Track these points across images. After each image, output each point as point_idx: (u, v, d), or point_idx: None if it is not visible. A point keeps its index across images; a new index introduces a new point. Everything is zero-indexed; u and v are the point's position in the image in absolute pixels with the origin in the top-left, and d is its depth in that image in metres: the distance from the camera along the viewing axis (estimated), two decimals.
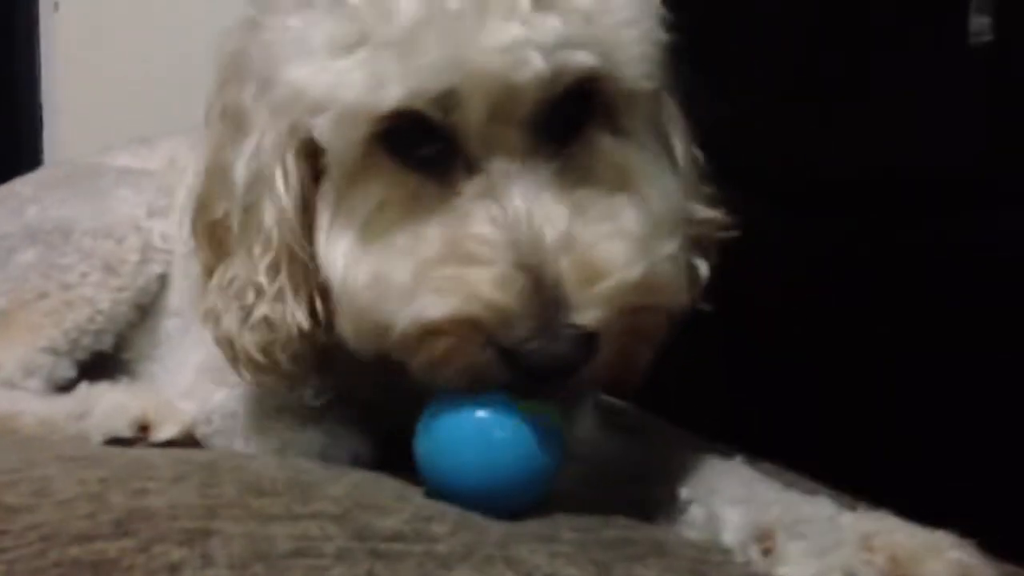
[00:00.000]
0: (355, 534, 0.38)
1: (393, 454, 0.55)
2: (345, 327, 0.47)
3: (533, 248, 0.43)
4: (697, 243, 0.53)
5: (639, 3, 0.47)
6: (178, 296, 0.76)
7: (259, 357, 0.50)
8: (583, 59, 0.44)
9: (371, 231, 0.47)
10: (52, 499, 0.39)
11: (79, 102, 1.16)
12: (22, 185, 0.84)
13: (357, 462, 0.54)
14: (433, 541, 0.38)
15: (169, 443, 0.60)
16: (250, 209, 0.50)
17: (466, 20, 0.43)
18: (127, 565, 0.33)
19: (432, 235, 0.45)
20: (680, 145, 0.53)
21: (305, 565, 0.35)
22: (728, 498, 0.49)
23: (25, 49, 1.24)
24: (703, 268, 0.53)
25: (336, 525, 0.38)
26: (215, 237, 0.52)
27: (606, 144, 0.48)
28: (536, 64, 0.43)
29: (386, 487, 0.46)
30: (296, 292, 0.49)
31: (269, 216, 0.49)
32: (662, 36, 0.49)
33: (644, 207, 0.47)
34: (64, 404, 0.66)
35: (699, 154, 0.55)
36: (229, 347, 0.51)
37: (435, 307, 0.43)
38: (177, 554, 0.34)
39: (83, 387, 0.67)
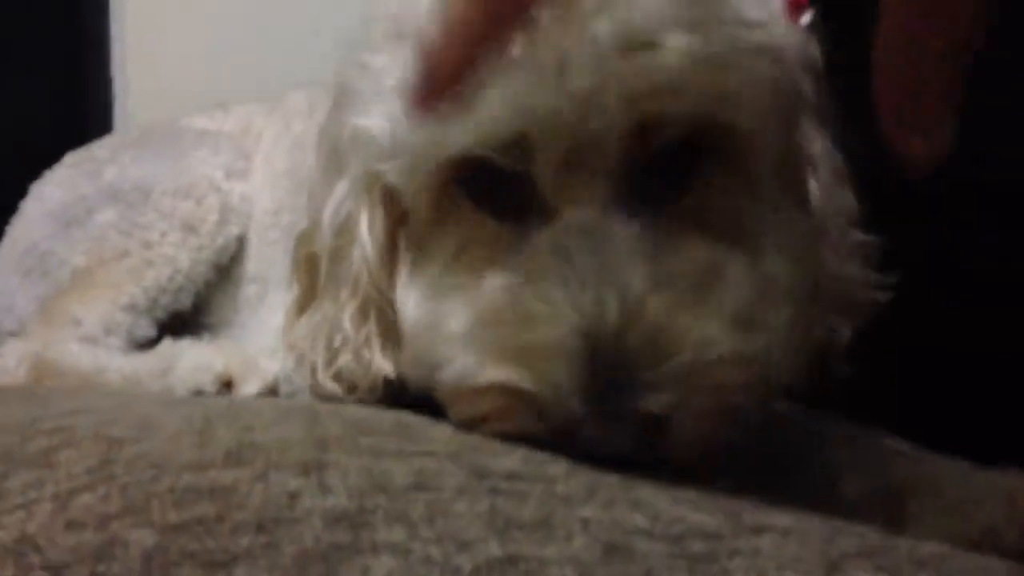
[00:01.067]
0: (472, 471, 0.36)
1: None
2: (406, 370, 0.45)
3: (600, 315, 0.37)
4: (839, 303, 0.47)
5: (756, 38, 0.41)
6: (255, 262, 0.76)
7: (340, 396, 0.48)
8: (680, 108, 0.39)
9: (445, 278, 0.43)
10: (158, 432, 0.37)
11: (149, 73, 1.16)
12: (99, 148, 0.84)
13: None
14: (551, 482, 0.36)
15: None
16: (337, 253, 0.47)
17: (542, 63, 0.38)
18: (245, 492, 0.32)
19: (494, 287, 0.41)
20: (820, 193, 0.47)
21: (426, 499, 0.33)
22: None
23: (94, 19, 1.24)
24: (843, 332, 0.47)
25: (452, 462, 0.36)
26: (312, 270, 0.50)
27: (717, 195, 0.42)
28: (614, 113, 0.38)
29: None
30: (384, 340, 0.46)
31: (356, 261, 0.46)
32: (797, 71, 0.44)
33: (753, 267, 0.41)
34: (148, 360, 0.65)
35: (851, 202, 0.49)
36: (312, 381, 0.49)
37: (481, 369, 0.39)
38: (294, 483, 0.32)
39: (166, 343, 0.66)
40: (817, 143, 0.47)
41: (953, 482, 0.41)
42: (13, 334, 0.75)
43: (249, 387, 0.60)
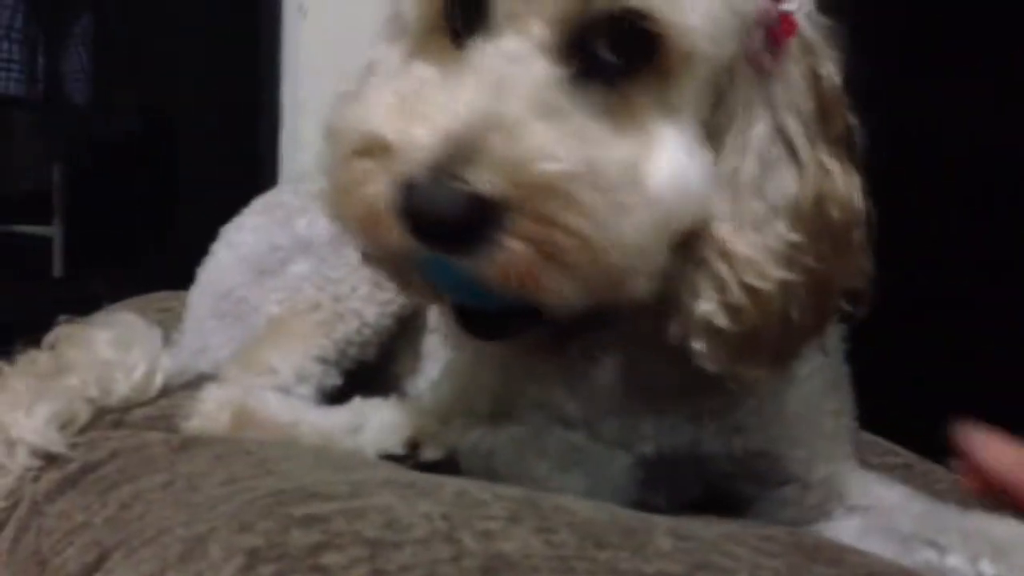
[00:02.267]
0: None
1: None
2: None
3: (474, 115, 0.43)
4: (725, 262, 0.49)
5: None
6: (435, 314, 0.78)
7: None
8: None
9: (401, 75, 0.51)
10: (408, 536, 0.39)
11: (324, 106, 1.21)
12: (288, 195, 0.87)
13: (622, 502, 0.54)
14: None
15: (433, 463, 0.62)
16: None
17: None
18: None
19: (419, 76, 0.48)
20: (745, 167, 0.49)
21: None
22: None
23: (268, 54, 1.30)
24: (707, 305, 0.49)
25: None
26: None
27: (636, 91, 0.47)
28: None
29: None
30: None
31: None
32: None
33: (639, 159, 0.46)
34: (339, 416, 0.68)
35: (781, 199, 0.50)
36: None
37: (369, 119, 0.46)
38: None
39: (357, 401, 0.69)
40: (760, 125, 0.49)
41: None
42: (207, 374, 0.80)
43: (431, 453, 0.62)
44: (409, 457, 0.63)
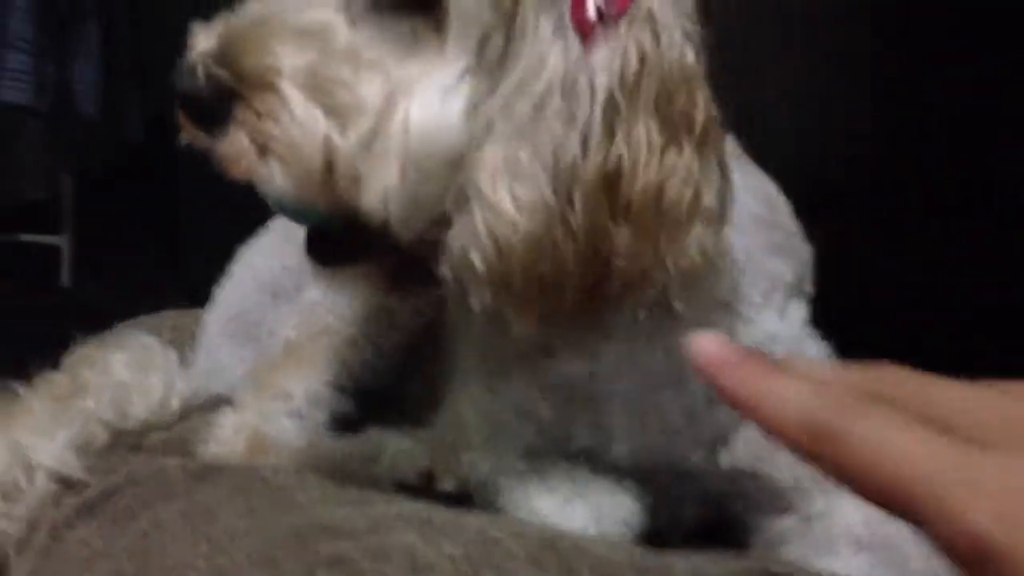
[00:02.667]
0: None
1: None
2: None
3: (251, 24, 0.49)
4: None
5: None
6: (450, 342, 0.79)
7: None
8: None
9: None
10: None
11: None
12: None
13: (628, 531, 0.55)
14: None
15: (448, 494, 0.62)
16: None
17: None
18: None
19: None
20: (534, 97, 0.48)
21: None
22: None
23: None
24: (462, 241, 0.49)
25: None
26: None
27: (411, 34, 0.49)
28: None
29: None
30: None
31: None
32: None
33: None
34: (356, 446, 0.69)
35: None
36: None
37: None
38: None
39: (374, 431, 0.69)
40: (545, 76, 0.48)
41: None
42: (221, 396, 0.81)
43: (447, 484, 0.63)
44: (425, 488, 0.64)
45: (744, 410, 0.32)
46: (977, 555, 0.26)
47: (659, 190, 0.48)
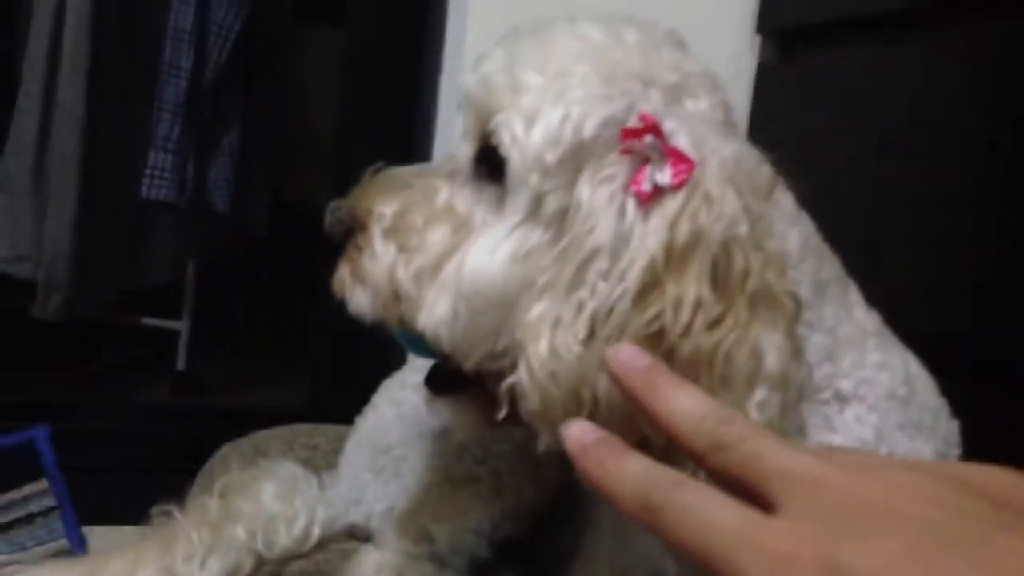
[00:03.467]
0: None
1: None
2: None
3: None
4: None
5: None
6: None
7: None
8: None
9: None
10: None
11: None
12: None
13: None
14: None
15: None
16: None
17: None
18: None
19: None
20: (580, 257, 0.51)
21: None
22: None
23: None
24: (513, 378, 0.53)
25: None
26: None
27: (489, 200, 0.57)
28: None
29: None
30: None
31: None
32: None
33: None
34: None
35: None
36: None
37: None
38: None
39: None
40: (593, 238, 0.51)
41: None
42: (359, 527, 0.83)
43: None
44: None
45: (594, 488, 0.36)
46: None
47: (711, 353, 0.48)
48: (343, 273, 0.60)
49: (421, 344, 0.59)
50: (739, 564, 0.31)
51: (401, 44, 1.41)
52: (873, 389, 0.58)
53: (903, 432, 0.60)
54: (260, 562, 0.78)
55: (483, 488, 0.77)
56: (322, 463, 0.95)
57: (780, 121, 1.23)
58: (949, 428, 0.64)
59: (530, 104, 0.53)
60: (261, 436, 1.07)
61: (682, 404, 0.38)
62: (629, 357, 0.40)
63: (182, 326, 2.21)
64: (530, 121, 0.53)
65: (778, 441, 0.36)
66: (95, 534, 1.35)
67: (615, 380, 0.41)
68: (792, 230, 0.57)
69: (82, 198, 1.87)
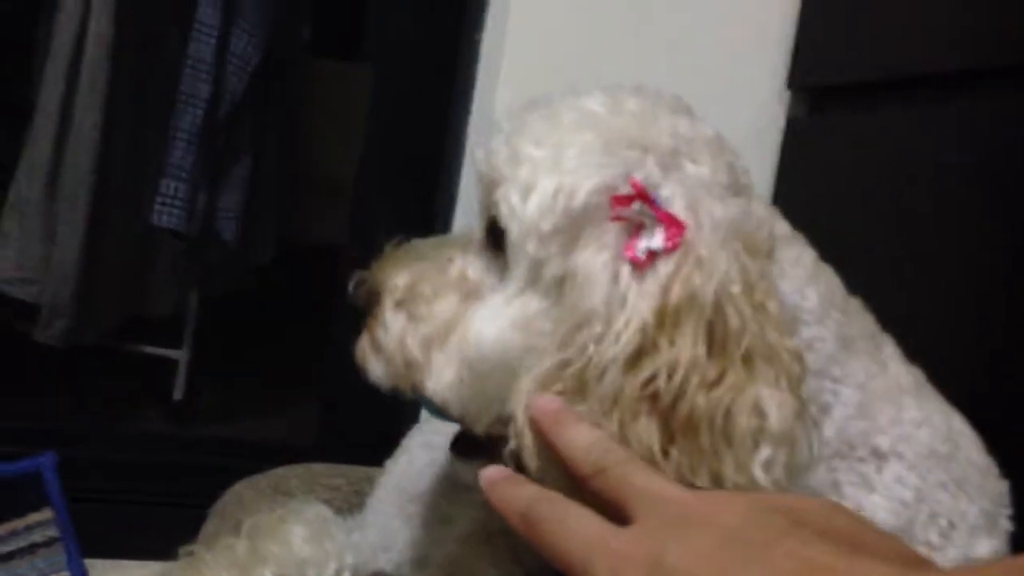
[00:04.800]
0: None
1: None
2: None
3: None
4: None
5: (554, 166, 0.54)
6: None
7: None
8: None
9: None
10: None
11: None
12: None
13: None
14: None
15: None
16: None
17: None
18: None
19: None
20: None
21: None
22: None
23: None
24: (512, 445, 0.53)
25: None
26: None
27: (493, 271, 0.59)
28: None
29: None
30: None
31: None
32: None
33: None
34: None
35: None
36: None
37: None
38: None
39: None
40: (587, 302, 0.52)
41: None
42: (384, 573, 0.81)
43: None
44: None
45: (496, 510, 0.47)
46: None
47: (711, 412, 0.48)
48: (363, 343, 0.63)
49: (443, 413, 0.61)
50: (590, 565, 0.40)
51: (431, 85, 1.41)
52: (912, 446, 0.58)
53: (946, 491, 0.59)
54: None
55: (519, 542, 0.75)
56: (343, 505, 0.93)
57: (809, 176, 1.24)
58: (998, 488, 0.63)
59: (526, 176, 0.55)
60: (279, 474, 1.05)
61: (576, 437, 0.48)
62: (544, 402, 0.50)
63: (181, 355, 2.19)
64: (526, 192, 0.54)
65: (645, 468, 0.46)
66: (96, 568, 1.32)
67: (532, 421, 0.50)
68: (810, 288, 0.57)
69: (92, 222, 1.86)
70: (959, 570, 0.47)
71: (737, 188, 0.56)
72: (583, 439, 0.47)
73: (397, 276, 0.62)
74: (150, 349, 2.20)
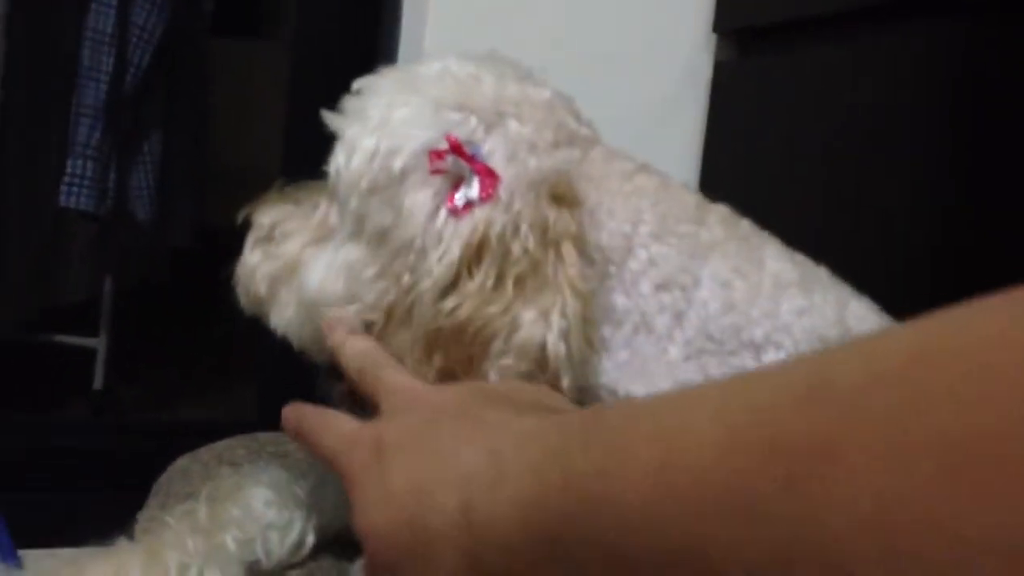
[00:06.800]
0: None
1: None
2: None
3: None
4: None
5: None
6: None
7: None
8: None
9: None
10: None
11: None
12: None
13: None
14: None
15: None
16: None
17: None
18: None
19: None
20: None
21: None
22: None
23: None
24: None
25: None
26: None
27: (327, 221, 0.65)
28: None
29: None
30: None
31: None
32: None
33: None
34: None
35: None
36: None
37: None
38: None
39: None
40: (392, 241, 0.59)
41: None
42: (350, 532, 0.79)
43: None
44: None
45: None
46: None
47: (477, 327, 0.55)
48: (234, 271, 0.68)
49: None
50: (338, 455, 0.46)
51: (350, 61, 1.37)
52: (791, 335, 0.59)
53: None
54: (254, 571, 0.73)
55: None
56: (295, 469, 0.91)
57: (740, 119, 1.25)
58: None
59: (352, 135, 0.60)
60: (221, 446, 1.01)
61: (348, 343, 0.56)
62: (333, 318, 0.59)
63: (99, 344, 2.11)
64: (351, 151, 0.60)
65: (396, 367, 0.53)
66: (30, 558, 1.26)
67: (326, 328, 0.59)
68: (648, 214, 0.59)
69: None
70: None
71: (571, 142, 0.61)
72: (354, 345, 0.56)
73: (264, 215, 0.66)
74: (66, 339, 2.11)
